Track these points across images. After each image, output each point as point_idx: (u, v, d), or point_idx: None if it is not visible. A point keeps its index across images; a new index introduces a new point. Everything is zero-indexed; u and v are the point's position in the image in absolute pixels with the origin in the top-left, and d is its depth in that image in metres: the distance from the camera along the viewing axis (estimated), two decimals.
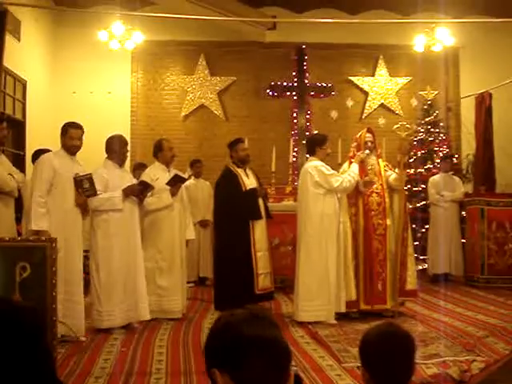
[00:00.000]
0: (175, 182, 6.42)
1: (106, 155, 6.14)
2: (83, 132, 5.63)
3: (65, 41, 10.51)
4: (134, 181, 6.30)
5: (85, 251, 5.83)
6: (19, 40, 8.67)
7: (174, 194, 6.42)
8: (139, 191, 6.05)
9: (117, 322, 5.79)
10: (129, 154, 9.57)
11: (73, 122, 5.66)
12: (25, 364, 1.83)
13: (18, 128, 8.93)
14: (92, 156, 6.74)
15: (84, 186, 5.38)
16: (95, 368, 4.60)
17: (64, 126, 5.62)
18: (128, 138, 10.02)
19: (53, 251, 3.00)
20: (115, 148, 6.08)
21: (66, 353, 4.98)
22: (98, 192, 5.81)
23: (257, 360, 1.41)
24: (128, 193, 5.93)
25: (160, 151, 6.70)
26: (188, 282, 8.90)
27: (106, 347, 5.26)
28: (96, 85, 10.75)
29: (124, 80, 10.92)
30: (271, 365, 1.42)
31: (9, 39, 7.62)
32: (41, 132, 9.21)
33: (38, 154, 6.50)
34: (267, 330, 1.46)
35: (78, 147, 5.60)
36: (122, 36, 9.23)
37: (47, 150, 6.50)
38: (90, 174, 5.53)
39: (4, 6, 6.11)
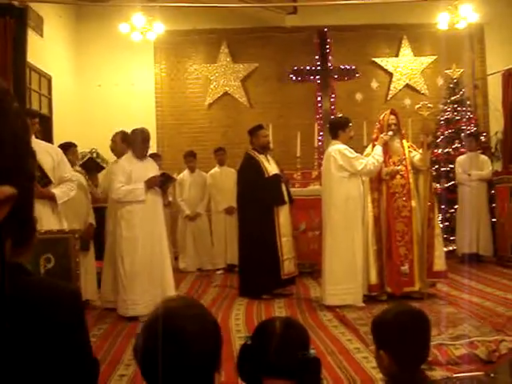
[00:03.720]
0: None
1: (130, 148, 6.21)
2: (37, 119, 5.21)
3: (88, 35, 10.60)
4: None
5: None
6: (42, 36, 8.78)
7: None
8: (161, 182, 6.10)
9: (141, 310, 5.84)
10: (155, 145, 9.78)
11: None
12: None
13: (44, 123, 9.05)
14: None
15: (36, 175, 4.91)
16: (125, 355, 4.69)
17: None
18: (154, 129, 10.26)
19: (76, 242, 3.07)
20: (135, 142, 6.13)
21: (96, 342, 5.09)
22: (120, 184, 5.88)
23: None
24: (150, 184, 6.00)
25: None
26: (217, 270, 9.03)
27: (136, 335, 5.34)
28: (120, 77, 10.83)
29: (147, 71, 11.00)
30: None
31: (32, 36, 7.73)
32: (67, 126, 9.35)
33: (63, 147, 6.60)
34: None
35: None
36: (143, 27, 9.27)
37: (72, 144, 6.62)
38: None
39: (24, 4, 6.19)
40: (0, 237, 0.62)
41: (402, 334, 2.13)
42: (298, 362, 1.96)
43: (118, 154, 6.46)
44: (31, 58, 7.45)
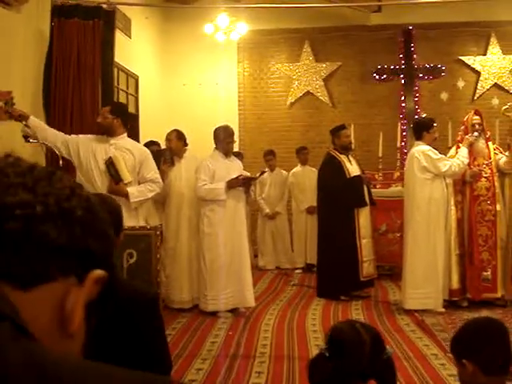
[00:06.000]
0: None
1: (215, 145, 6.31)
2: (111, 108, 4.99)
3: (173, 36, 10.86)
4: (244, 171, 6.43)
5: None
6: (130, 37, 9.07)
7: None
8: (243, 183, 6.18)
9: (221, 306, 6.01)
10: (237, 143, 9.91)
11: None
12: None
13: (132, 121, 9.35)
14: (202, 146, 6.98)
15: (110, 172, 4.79)
16: (202, 350, 4.81)
17: None
18: (236, 128, 10.36)
19: (157, 239, 3.18)
20: (219, 138, 6.23)
21: (175, 335, 5.23)
22: (203, 182, 6.00)
23: None
24: (231, 185, 6.07)
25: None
26: (295, 269, 9.06)
27: (214, 330, 5.47)
28: (204, 77, 11.04)
29: (231, 70, 11.14)
30: None
31: (120, 37, 7.99)
32: (153, 124, 9.62)
33: (147, 145, 6.80)
34: None
35: (100, 125, 4.95)
36: (227, 28, 9.43)
37: (156, 142, 6.81)
38: (110, 157, 4.82)
39: (113, 6, 6.42)
40: (92, 314, 0.78)
41: (484, 339, 2.09)
42: (382, 363, 1.98)
43: (175, 152, 6.49)
44: (119, 58, 7.70)
